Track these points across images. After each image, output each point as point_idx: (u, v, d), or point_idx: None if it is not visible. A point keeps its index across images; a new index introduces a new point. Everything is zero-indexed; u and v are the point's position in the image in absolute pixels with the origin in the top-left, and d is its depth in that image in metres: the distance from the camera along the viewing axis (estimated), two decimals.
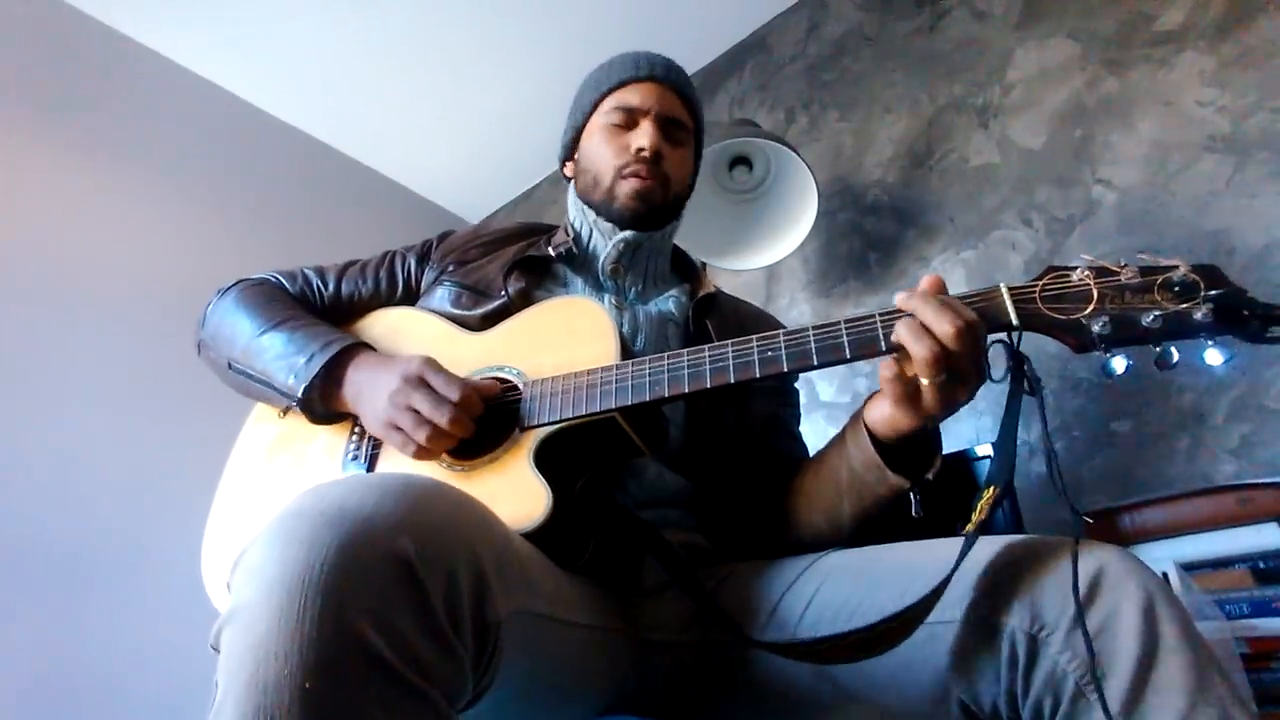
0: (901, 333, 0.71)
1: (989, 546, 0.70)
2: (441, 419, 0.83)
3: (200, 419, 1.49)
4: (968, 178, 1.77)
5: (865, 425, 0.81)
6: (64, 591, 1.63)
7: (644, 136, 1.07)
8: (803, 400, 1.21)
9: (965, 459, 1.26)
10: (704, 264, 1.84)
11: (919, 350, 0.69)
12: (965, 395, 0.72)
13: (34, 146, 1.89)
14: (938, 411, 0.73)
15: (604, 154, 1.09)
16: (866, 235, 1.93)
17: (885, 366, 0.73)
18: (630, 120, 1.09)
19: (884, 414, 0.78)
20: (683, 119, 1.12)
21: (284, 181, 2.47)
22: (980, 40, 1.84)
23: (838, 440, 0.88)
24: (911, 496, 0.80)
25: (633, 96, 1.10)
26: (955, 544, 0.70)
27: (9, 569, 1.57)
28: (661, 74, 1.11)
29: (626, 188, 1.06)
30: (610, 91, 1.11)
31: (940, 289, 0.73)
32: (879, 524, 0.85)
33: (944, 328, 0.69)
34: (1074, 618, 0.61)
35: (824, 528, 0.90)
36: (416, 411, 0.84)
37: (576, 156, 1.15)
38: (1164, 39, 1.55)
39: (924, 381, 0.71)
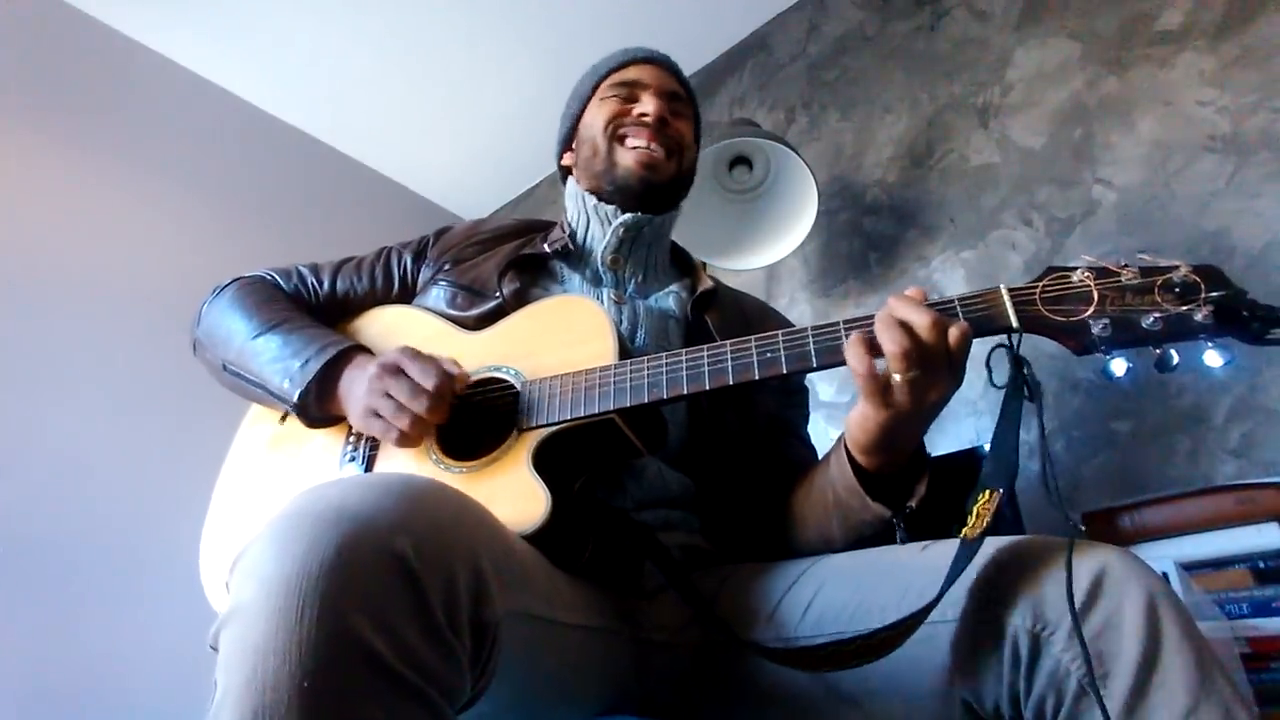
0: (877, 326, 0.71)
1: (990, 546, 0.70)
2: (419, 405, 0.82)
3: (199, 419, 1.49)
4: (968, 178, 1.77)
5: (846, 447, 0.81)
6: (61, 591, 1.63)
7: (647, 104, 1.08)
8: None
9: (975, 457, 1.26)
10: (704, 263, 1.84)
11: (888, 343, 0.69)
12: (937, 395, 0.71)
13: (34, 147, 1.89)
14: (908, 408, 0.71)
15: (601, 120, 1.09)
16: (866, 235, 1.93)
17: (856, 360, 0.71)
18: (630, 95, 1.11)
19: (855, 412, 0.77)
20: (680, 93, 1.14)
21: (284, 181, 2.47)
22: (980, 40, 1.84)
23: (824, 461, 0.88)
24: (896, 524, 0.80)
25: (631, 73, 1.12)
26: (954, 545, 0.70)
27: (6, 567, 1.57)
28: (659, 57, 1.15)
29: (629, 157, 1.06)
30: (608, 74, 1.13)
31: (922, 300, 0.72)
32: (874, 543, 0.84)
33: (918, 319, 0.69)
34: (1074, 618, 0.61)
35: (819, 546, 0.89)
36: (393, 399, 0.83)
37: (575, 144, 1.15)
38: (1164, 39, 1.55)
39: (895, 377, 0.70)
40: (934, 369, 0.70)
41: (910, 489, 0.81)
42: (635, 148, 1.06)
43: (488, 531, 0.63)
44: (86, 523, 1.70)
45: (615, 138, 1.08)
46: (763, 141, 1.74)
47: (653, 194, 1.07)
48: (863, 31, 2.09)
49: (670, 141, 1.08)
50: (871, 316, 0.74)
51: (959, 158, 1.80)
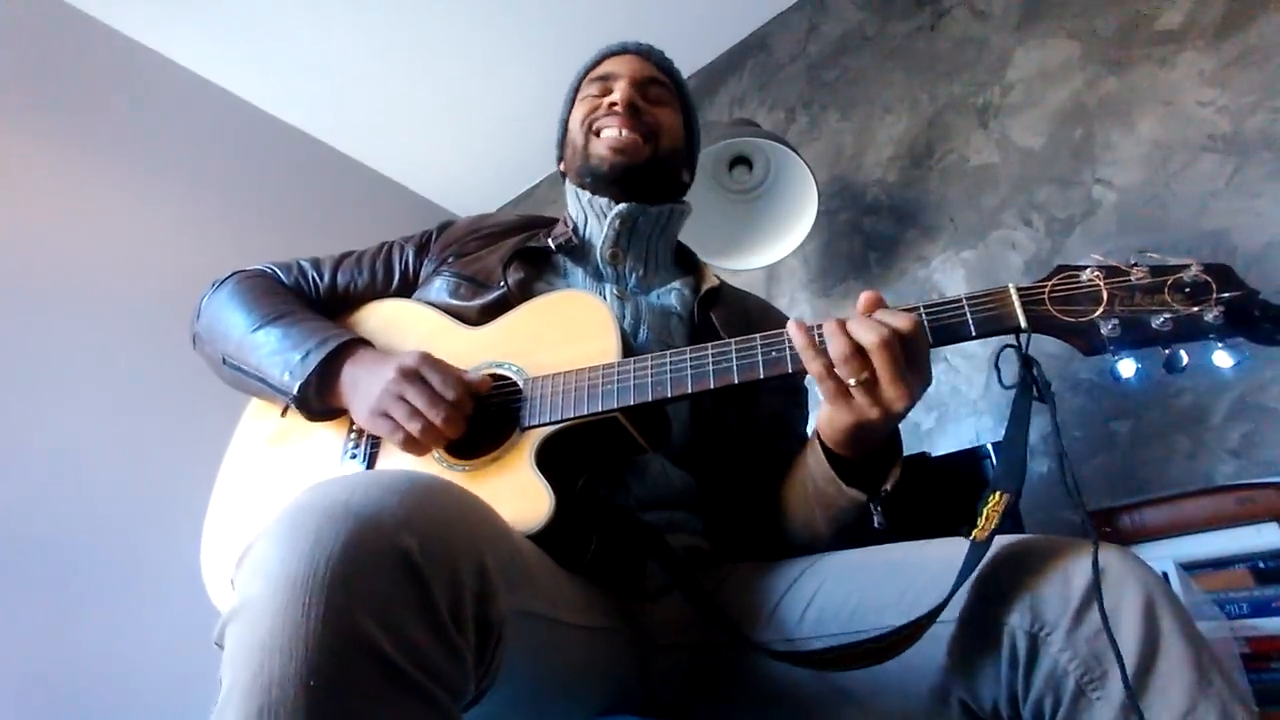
0: (824, 332, 0.72)
1: (990, 546, 0.70)
2: (436, 415, 0.82)
3: (199, 418, 1.49)
4: (968, 178, 1.77)
5: (819, 437, 0.82)
6: (61, 590, 1.63)
7: (615, 93, 1.09)
8: None
9: (975, 457, 1.26)
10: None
11: (832, 350, 0.71)
12: (898, 398, 0.71)
13: (34, 146, 1.88)
14: (869, 410, 0.72)
15: (579, 118, 1.12)
16: (866, 235, 1.93)
17: (812, 365, 0.73)
18: (604, 88, 1.12)
19: (823, 412, 0.79)
20: (659, 78, 1.14)
21: (285, 181, 2.47)
22: (980, 40, 1.84)
23: (802, 454, 0.89)
24: (871, 508, 0.80)
25: (605, 67, 1.14)
26: (953, 543, 0.70)
27: (6, 567, 1.57)
28: (634, 46, 1.16)
29: (601, 145, 1.07)
30: (586, 73, 1.16)
31: (875, 306, 0.73)
32: (855, 533, 0.85)
33: (865, 336, 0.70)
34: (1074, 617, 0.61)
35: (806, 537, 0.90)
36: (409, 403, 0.83)
37: (565, 146, 1.18)
38: (1164, 39, 1.55)
39: (850, 381, 0.71)
40: (882, 375, 0.70)
41: (885, 473, 0.81)
42: (606, 136, 1.07)
43: (493, 530, 0.63)
44: (86, 522, 1.70)
45: (592, 132, 1.10)
46: (763, 141, 1.74)
47: (631, 178, 1.07)
48: (863, 31, 2.09)
49: (645, 127, 1.08)
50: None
51: (959, 158, 1.80)
